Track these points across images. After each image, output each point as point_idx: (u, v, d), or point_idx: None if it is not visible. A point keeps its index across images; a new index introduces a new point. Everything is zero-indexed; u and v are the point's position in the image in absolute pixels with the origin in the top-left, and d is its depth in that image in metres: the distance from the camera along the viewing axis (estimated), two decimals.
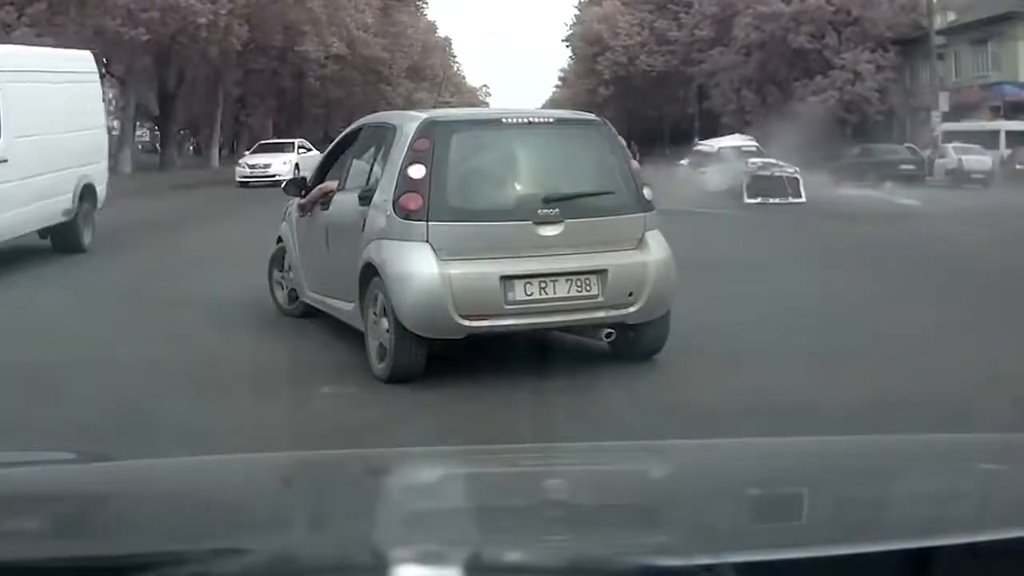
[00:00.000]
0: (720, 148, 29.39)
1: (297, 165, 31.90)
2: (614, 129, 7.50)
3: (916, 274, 11.62)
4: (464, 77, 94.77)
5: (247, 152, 38.55)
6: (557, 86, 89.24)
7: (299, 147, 36.71)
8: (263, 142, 40.54)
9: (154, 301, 9.67)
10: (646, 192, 7.09)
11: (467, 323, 6.40)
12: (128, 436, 5.05)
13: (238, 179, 33.60)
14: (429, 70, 71.82)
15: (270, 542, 1.45)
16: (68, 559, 1.39)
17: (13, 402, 5.96)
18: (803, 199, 23.69)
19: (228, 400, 6.09)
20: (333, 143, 9.26)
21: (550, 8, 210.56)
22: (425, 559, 1.23)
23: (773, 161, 25.95)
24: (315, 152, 32.93)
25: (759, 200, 23.05)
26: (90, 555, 1.42)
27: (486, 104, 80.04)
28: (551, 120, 7.52)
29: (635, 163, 7.33)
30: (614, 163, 7.07)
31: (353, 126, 8.73)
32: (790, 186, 24.06)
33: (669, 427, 5.45)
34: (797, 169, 25.01)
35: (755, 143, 30.14)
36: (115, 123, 52.21)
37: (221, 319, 8.70)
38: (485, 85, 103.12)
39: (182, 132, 51.15)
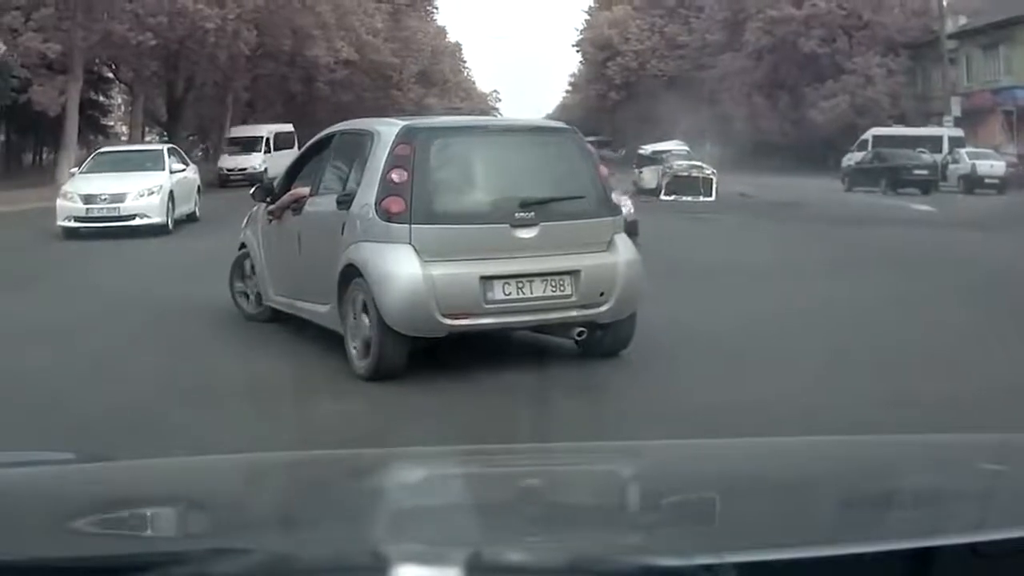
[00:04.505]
0: (653, 151, 31.31)
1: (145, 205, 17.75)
2: (583, 136, 7.81)
3: (925, 279, 11.58)
4: (474, 82, 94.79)
5: (75, 173, 19.53)
6: (567, 91, 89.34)
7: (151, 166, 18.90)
8: (97, 160, 20.10)
9: None
10: (614, 197, 7.53)
11: (449, 322, 6.63)
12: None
13: (61, 221, 17.51)
14: (439, 75, 71.86)
15: (269, 542, 1.46)
16: (68, 559, 1.40)
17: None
18: (712, 198, 25.52)
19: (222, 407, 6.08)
20: (302, 150, 9.23)
21: (560, 13, 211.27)
22: (424, 559, 1.23)
23: (697, 163, 28.23)
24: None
25: (673, 197, 24.78)
26: (90, 555, 1.42)
27: (496, 110, 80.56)
28: (525, 128, 8.11)
29: (603, 169, 7.59)
30: (584, 169, 7.35)
31: (322, 134, 8.75)
32: (703, 186, 26.21)
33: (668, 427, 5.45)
34: (714, 171, 27.30)
35: (686, 147, 32.05)
36: (123, 128, 52.47)
37: None
38: (495, 90, 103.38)
39: (191, 137, 51.23)
